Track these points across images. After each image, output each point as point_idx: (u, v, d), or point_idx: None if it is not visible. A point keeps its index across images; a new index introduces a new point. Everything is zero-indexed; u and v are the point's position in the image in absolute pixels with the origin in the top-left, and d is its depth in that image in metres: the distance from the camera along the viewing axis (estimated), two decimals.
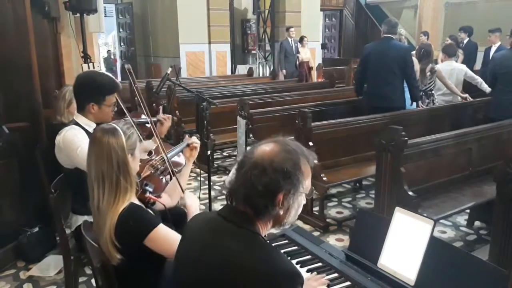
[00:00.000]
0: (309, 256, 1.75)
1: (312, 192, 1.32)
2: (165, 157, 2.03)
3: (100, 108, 2.30)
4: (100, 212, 1.57)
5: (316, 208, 3.80)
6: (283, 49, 8.80)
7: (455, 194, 3.21)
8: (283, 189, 1.17)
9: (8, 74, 3.19)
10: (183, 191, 1.98)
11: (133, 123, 1.81)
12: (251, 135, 4.65)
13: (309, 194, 1.28)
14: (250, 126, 4.48)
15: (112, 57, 14.86)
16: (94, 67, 4.39)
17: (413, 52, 5.27)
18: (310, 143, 3.57)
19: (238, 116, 4.57)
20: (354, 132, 3.98)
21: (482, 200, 3.15)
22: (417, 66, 4.85)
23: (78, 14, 4.43)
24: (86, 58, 4.46)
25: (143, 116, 2.49)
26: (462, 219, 3.78)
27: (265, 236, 1.25)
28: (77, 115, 2.34)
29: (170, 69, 3.31)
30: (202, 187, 3.41)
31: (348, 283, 1.57)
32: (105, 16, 7.18)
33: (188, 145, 2.19)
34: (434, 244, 1.47)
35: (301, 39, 9.13)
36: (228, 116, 5.08)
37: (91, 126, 2.28)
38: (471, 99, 5.21)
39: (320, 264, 1.70)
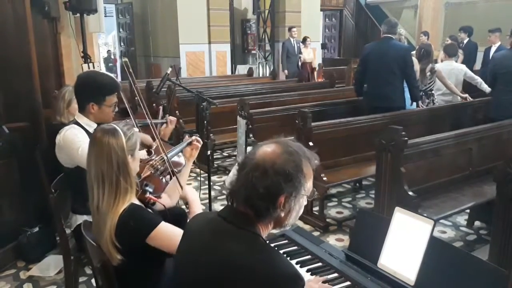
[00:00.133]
0: (309, 256, 1.75)
1: (314, 193, 1.31)
2: (165, 157, 2.03)
3: (100, 108, 2.30)
4: (99, 212, 1.57)
5: (316, 208, 3.80)
6: (285, 49, 8.76)
7: (455, 194, 3.21)
8: (285, 191, 1.16)
9: (8, 74, 3.19)
10: (182, 187, 1.96)
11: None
12: (251, 135, 4.65)
13: (311, 196, 1.27)
14: (250, 126, 4.47)
15: (112, 57, 14.86)
16: (94, 67, 4.38)
17: (413, 52, 5.27)
18: (310, 143, 3.57)
19: (238, 116, 4.57)
20: (354, 132, 3.98)
21: (482, 200, 3.15)
22: (417, 66, 4.85)
23: (78, 14, 4.43)
24: (86, 58, 4.46)
25: (155, 120, 2.51)
26: (462, 219, 3.78)
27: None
28: (78, 115, 2.35)
29: (170, 69, 3.31)
30: (202, 187, 3.41)
31: (348, 283, 1.57)
32: (105, 16, 7.17)
33: (189, 143, 2.18)
34: (434, 244, 1.47)
35: (304, 40, 9.11)
36: (228, 116, 5.08)
37: (91, 126, 2.28)
38: (471, 99, 5.22)
39: (320, 264, 1.70)
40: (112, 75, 2.70)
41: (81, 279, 2.76)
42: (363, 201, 4.32)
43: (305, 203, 1.27)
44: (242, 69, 10.38)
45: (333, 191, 4.52)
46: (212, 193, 3.71)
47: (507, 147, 3.70)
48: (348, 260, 1.68)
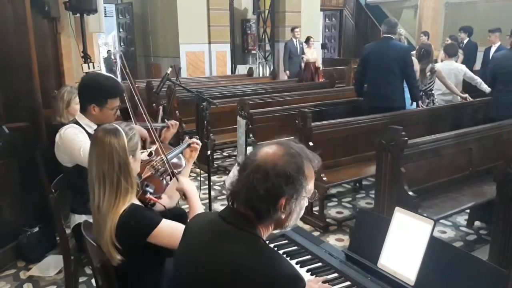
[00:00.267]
0: (309, 256, 1.75)
1: (315, 195, 1.29)
2: (165, 159, 2.03)
3: (101, 111, 2.30)
4: (100, 212, 1.57)
5: (316, 208, 3.80)
6: (288, 50, 8.71)
7: (455, 194, 3.21)
8: (286, 194, 1.15)
9: (8, 74, 3.19)
10: (177, 179, 1.92)
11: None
12: (251, 135, 4.65)
13: (312, 197, 1.26)
14: (250, 126, 4.47)
15: (112, 57, 14.85)
16: (94, 67, 4.37)
17: (413, 52, 5.27)
18: (310, 143, 3.57)
19: (238, 116, 4.56)
20: (354, 132, 3.98)
21: (482, 200, 3.15)
22: (417, 66, 4.85)
23: (78, 14, 4.42)
24: (86, 58, 4.45)
25: (155, 123, 2.50)
26: (462, 219, 3.78)
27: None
28: (79, 115, 2.35)
29: (170, 69, 3.31)
30: (202, 187, 3.41)
31: (348, 283, 1.57)
32: (105, 16, 7.17)
33: (189, 145, 2.18)
34: (434, 244, 1.47)
35: (307, 40, 9.08)
36: (228, 116, 5.08)
37: (91, 127, 2.28)
38: (471, 99, 5.22)
39: (320, 264, 1.70)
40: (111, 75, 2.69)
41: (81, 279, 2.76)
42: (363, 201, 4.32)
43: (306, 204, 1.26)
44: (242, 69, 10.38)
45: (333, 191, 4.52)
46: (212, 193, 3.71)
47: (507, 147, 3.70)
48: (348, 260, 1.68)
